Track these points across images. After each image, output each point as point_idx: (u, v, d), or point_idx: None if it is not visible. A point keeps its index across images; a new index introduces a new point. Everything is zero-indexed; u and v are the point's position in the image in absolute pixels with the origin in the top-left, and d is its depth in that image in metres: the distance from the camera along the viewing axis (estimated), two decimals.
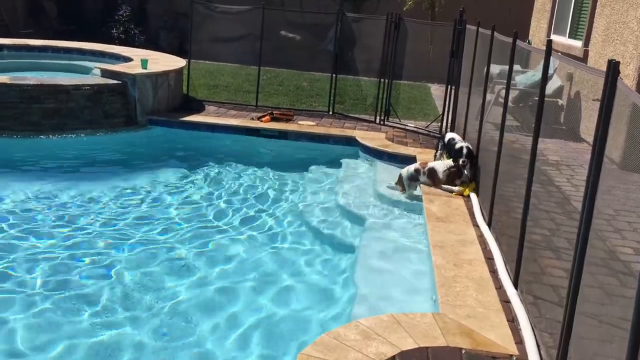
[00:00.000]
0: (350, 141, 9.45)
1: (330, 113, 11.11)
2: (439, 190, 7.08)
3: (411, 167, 7.32)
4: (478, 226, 6.05)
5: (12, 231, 6.07)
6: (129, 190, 7.47)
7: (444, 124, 10.06)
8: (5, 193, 6.98)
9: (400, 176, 7.33)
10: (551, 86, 10.19)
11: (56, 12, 18.40)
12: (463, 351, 3.83)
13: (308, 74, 15.00)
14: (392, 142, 9.31)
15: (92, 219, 6.52)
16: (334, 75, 11.24)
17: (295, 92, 12.98)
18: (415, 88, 14.45)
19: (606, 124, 3.08)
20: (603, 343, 3.66)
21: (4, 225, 6.18)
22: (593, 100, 8.75)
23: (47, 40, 12.76)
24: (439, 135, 9.17)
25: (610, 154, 3.20)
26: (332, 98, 11.22)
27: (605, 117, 3.07)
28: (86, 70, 10.97)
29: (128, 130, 9.31)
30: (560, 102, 10.39)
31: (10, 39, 12.79)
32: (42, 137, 8.65)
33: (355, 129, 10.08)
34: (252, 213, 7.07)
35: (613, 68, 3.01)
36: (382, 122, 10.65)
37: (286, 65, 15.45)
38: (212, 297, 5.14)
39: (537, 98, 9.66)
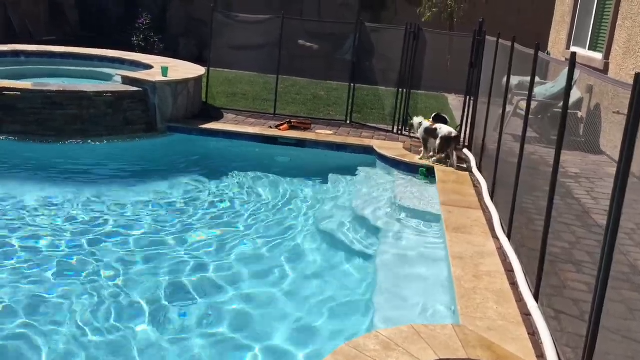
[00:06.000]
0: (368, 150, 9.46)
1: (348, 122, 11.13)
2: (458, 201, 7.07)
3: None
4: (497, 238, 6.02)
5: (34, 233, 6.15)
6: (148, 196, 7.53)
7: (463, 134, 10.03)
8: (27, 196, 7.07)
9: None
10: (571, 98, 10.12)
11: (78, 20, 18.67)
12: None
13: (325, 83, 15.05)
14: (410, 152, 9.30)
15: (112, 224, 6.58)
16: (351, 84, 11.28)
17: (312, 100, 13.03)
18: (433, 98, 14.44)
19: (633, 136, 3.07)
20: (627, 359, 3.63)
21: (27, 227, 6.27)
22: (613, 112, 8.69)
23: (68, 47, 12.92)
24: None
25: (632, 167, 3.18)
26: (349, 107, 11.25)
27: (632, 130, 3.06)
28: (107, 77, 11.12)
29: (148, 137, 9.40)
30: (579, 114, 10.33)
31: (33, 46, 12.98)
32: (64, 142, 8.77)
33: (372, 138, 10.09)
34: (268, 221, 7.10)
35: None
36: (399, 132, 10.65)
37: (303, 74, 15.52)
38: (232, 305, 5.16)
39: (556, 110, 9.62)
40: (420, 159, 8.73)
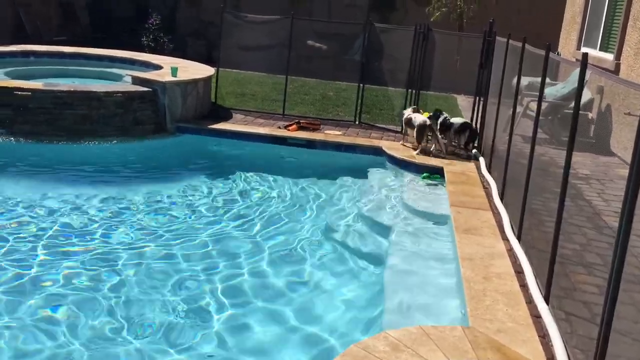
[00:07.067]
0: (377, 151, 9.45)
1: (357, 123, 11.12)
2: (468, 202, 7.05)
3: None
4: (507, 239, 5.99)
5: (42, 234, 6.19)
6: (156, 197, 7.56)
7: None
8: (37, 197, 7.11)
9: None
10: (582, 99, 10.07)
11: (88, 20, 18.77)
12: None
13: (334, 83, 15.05)
14: (419, 152, 9.27)
15: (120, 225, 6.61)
16: (360, 85, 11.26)
17: (321, 101, 13.03)
18: (442, 99, 14.40)
19: None
20: None
21: (34, 228, 6.30)
22: (625, 114, 8.63)
23: (79, 48, 13.00)
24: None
25: None
26: (358, 108, 11.23)
27: None
28: (117, 78, 11.17)
29: (157, 137, 9.44)
30: (590, 115, 10.27)
31: (44, 46, 13.07)
32: (74, 142, 8.81)
33: (381, 139, 10.08)
34: (278, 221, 7.10)
35: None
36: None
37: (312, 74, 15.52)
38: (239, 303, 5.17)
39: (566, 111, 9.56)
40: (404, 144, 9.48)
